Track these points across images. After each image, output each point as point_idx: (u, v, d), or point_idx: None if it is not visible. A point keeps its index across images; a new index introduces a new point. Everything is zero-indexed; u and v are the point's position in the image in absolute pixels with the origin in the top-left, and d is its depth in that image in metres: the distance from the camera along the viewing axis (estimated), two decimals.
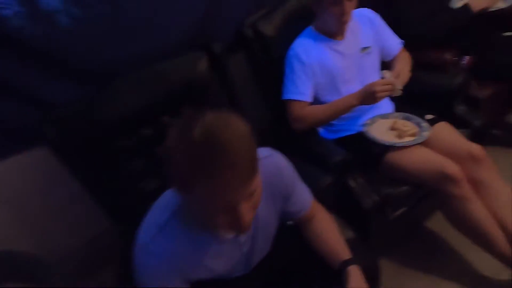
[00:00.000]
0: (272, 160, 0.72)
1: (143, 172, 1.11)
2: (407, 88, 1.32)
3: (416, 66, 1.34)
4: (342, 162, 1.08)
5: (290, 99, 1.23)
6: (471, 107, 1.29)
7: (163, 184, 1.12)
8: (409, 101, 1.33)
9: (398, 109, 1.32)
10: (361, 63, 1.26)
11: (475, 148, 1.06)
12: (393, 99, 1.35)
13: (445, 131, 1.16)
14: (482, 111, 1.33)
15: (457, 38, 1.47)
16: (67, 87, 1.13)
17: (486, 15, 1.43)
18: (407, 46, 1.37)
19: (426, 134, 1.13)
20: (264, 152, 0.71)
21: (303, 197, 0.80)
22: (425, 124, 1.17)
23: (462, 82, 1.25)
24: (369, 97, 1.12)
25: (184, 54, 1.15)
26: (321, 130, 1.33)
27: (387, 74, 1.19)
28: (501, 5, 1.43)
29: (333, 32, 1.22)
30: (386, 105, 1.32)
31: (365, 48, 1.26)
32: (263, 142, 1.34)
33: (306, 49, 1.21)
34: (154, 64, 1.09)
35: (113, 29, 1.15)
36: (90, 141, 1.03)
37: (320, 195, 0.98)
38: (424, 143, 1.13)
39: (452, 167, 1.00)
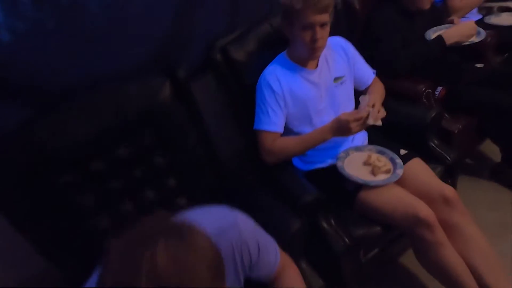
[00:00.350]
0: (230, 236, 0.63)
1: (94, 210, 0.99)
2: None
3: (390, 96, 1.32)
4: (313, 203, 1.01)
5: (261, 130, 1.15)
6: (444, 141, 1.28)
7: (116, 222, 1.08)
8: (382, 132, 1.30)
9: (371, 139, 1.29)
10: (334, 93, 1.21)
11: (448, 190, 1.03)
12: (367, 128, 1.32)
13: (418, 169, 1.13)
14: (454, 145, 1.32)
15: (431, 69, 1.46)
16: (9, 111, 1.01)
17: (459, 48, 1.44)
18: (381, 74, 1.35)
19: (399, 172, 1.09)
20: (220, 223, 0.63)
21: (269, 259, 0.71)
22: (398, 161, 1.13)
23: (435, 116, 1.23)
24: (343, 130, 1.07)
25: (144, 79, 1.04)
26: (294, 159, 1.26)
27: (365, 100, 1.15)
28: (474, 39, 1.44)
29: (305, 59, 1.16)
30: (360, 136, 1.28)
31: (338, 78, 1.21)
32: (233, 173, 1.28)
33: (278, 78, 1.14)
34: (107, 89, 0.99)
35: (63, 46, 1.03)
36: (29, 176, 0.90)
37: (288, 241, 0.91)
38: (398, 181, 1.09)
39: (425, 211, 0.96)
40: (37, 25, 0.99)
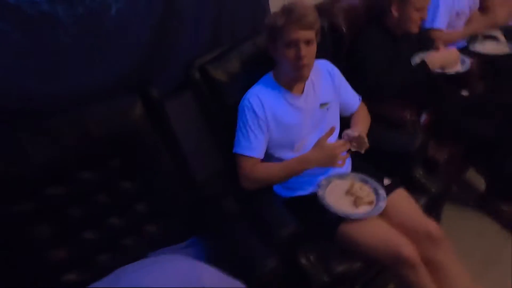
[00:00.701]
0: None
1: (49, 241, 0.90)
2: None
3: (375, 120, 1.28)
4: (291, 237, 0.94)
5: (241, 154, 1.09)
6: (429, 170, 1.24)
7: (74, 252, 0.98)
8: (366, 158, 1.26)
9: (355, 166, 1.24)
10: (320, 120, 1.16)
11: (433, 227, 0.98)
12: (352, 153, 1.27)
13: (402, 202, 1.08)
14: (440, 175, 1.28)
15: (416, 95, 1.44)
16: None
17: (443, 76, 1.42)
18: (365, 98, 1.32)
19: (382, 204, 1.03)
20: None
21: None
22: (382, 192, 1.08)
23: (420, 145, 1.19)
24: (328, 161, 1.02)
25: (112, 98, 0.97)
26: (276, 185, 1.20)
27: (349, 135, 1.11)
28: (459, 69, 1.42)
29: (291, 80, 1.11)
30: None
31: (324, 104, 1.16)
32: (209, 199, 1.21)
33: (261, 101, 1.08)
34: (70, 109, 0.91)
35: (27, 61, 0.95)
36: None
37: (262, 281, 0.84)
38: (381, 214, 1.03)
39: (407, 250, 0.91)
40: (5, 39, 0.91)
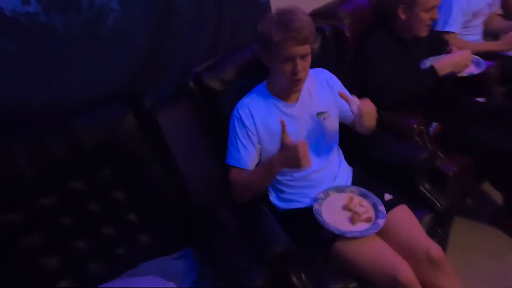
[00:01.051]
0: None
1: (41, 250, 0.91)
2: (369, 153, 1.21)
3: (380, 129, 1.21)
4: (282, 255, 0.90)
5: (230, 165, 1.06)
6: (437, 183, 1.16)
7: (66, 261, 0.99)
8: (369, 168, 1.20)
9: (355, 178, 1.18)
10: (316, 129, 1.11)
11: (435, 250, 0.91)
12: (353, 163, 1.21)
13: (403, 220, 1.01)
14: (449, 190, 1.20)
15: (426, 102, 1.36)
16: None
17: (456, 80, 1.33)
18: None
19: (381, 222, 0.97)
20: None
21: None
22: (381, 208, 1.02)
23: (426, 157, 1.12)
24: (292, 160, 0.93)
25: (104, 109, 0.97)
26: (272, 196, 1.17)
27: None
28: (473, 71, 1.33)
29: (285, 91, 1.07)
30: (343, 174, 1.17)
31: (321, 113, 1.11)
32: (202, 209, 1.19)
33: (251, 112, 1.05)
34: (60, 119, 0.91)
35: (23, 70, 0.96)
36: None
37: None
38: (379, 232, 0.97)
39: (405, 274, 0.85)
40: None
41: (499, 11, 1.92)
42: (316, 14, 1.46)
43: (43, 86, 1.01)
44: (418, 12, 1.28)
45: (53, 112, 0.98)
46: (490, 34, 1.86)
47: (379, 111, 1.23)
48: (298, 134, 1.09)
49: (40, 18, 0.98)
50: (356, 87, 1.33)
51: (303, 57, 0.98)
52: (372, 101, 1.27)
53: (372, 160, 1.21)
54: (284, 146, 0.95)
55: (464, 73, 1.30)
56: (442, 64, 1.28)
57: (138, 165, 1.01)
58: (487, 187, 1.55)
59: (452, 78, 1.32)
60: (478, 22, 1.77)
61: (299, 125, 1.09)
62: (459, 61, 1.29)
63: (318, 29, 1.27)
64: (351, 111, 1.04)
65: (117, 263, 1.02)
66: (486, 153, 1.28)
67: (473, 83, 1.48)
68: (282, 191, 1.14)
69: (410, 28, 1.33)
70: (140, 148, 1.00)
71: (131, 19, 1.12)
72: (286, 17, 0.95)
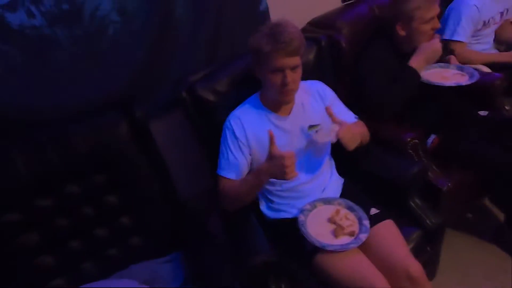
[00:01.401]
0: None
1: (38, 249, 0.98)
2: (360, 166, 1.20)
3: (375, 141, 1.20)
4: (262, 265, 0.92)
5: (220, 175, 1.09)
6: (432, 198, 1.14)
7: (61, 260, 1.05)
8: (360, 180, 1.19)
9: (345, 190, 1.17)
10: (309, 142, 1.11)
11: (414, 268, 0.90)
12: (345, 174, 1.21)
13: (387, 235, 1.00)
14: (442, 205, 1.17)
15: (426, 114, 1.33)
16: None
17: (455, 90, 1.28)
18: (368, 117, 1.23)
19: (362, 237, 0.97)
20: None
21: None
22: (366, 223, 1.01)
23: (417, 172, 1.10)
24: (279, 171, 0.94)
25: (99, 117, 1.02)
26: (262, 205, 1.18)
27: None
28: (460, 81, 1.27)
29: (277, 102, 1.09)
30: (333, 184, 1.17)
31: (313, 126, 1.11)
32: (192, 216, 1.22)
33: (243, 123, 1.07)
34: (55, 127, 0.97)
35: (27, 79, 1.03)
36: None
37: None
38: (362, 246, 0.97)
39: None
40: (2, 58, 1.00)
41: None
42: (314, 24, 1.47)
43: (45, 94, 1.08)
44: (418, 25, 1.25)
45: (52, 119, 1.04)
46: (502, 43, 1.79)
47: (376, 123, 1.24)
48: (289, 146, 1.09)
49: (45, 30, 1.05)
50: (354, 97, 1.32)
51: (292, 68, 0.99)
52: (369, 112, 1.28)
53: (364, 173, 1.20)
54: (271, 156, 0.96)
55: (452, 83, 1.26)
56: (415, 60, 1.26)
57: (131, 171, 1.06)
58: (490, 204, 1.51)
59: (454, 89, 1.28)
60: (489, 31, 1.71)
61: (291, 138, 1.10)
62: (428, 51, 1.26)
63: (314, 40, 1.27)
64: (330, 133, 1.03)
65: (109, 263, 1.08)
66: (485, 169, 1.24)
67: (478, 95, 1.44)
68: (271, 201, 1.16)
69: (412, 41, 1.31)
70: (133, 155, 1.05)
71: (131, 30, 1.17)
72: (275, 30, 0.97)
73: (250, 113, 1.10)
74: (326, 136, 1.04)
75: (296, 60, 0.99)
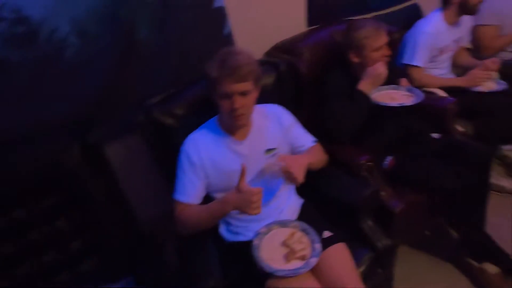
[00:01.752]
0: None
1: None
2: (318, 187, 1.23)
3: (334, 164, 1.24)
4: None
5: (175, 199, 1.09)
6: (383, 222, 1.17)
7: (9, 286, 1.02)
8: (318, 202, 1.22)
9: (303, 211, 1.19)
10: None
11: None
12: (304, 195, 1.23)
13: (337, 259, 1.02)
14: (395, 227, 1.21)
15: (383, 135, 1.38)
16: None
17: (408, 111, 1.33)
18: (327, 141, 1.27)
19: (312, 262, 0.98)
20: None
21: None
22: (317, 246, 1.03)
23: (369, 195, 1.13)
24: (244, 205, 0.96)
25: (50, 141, 1.01)
26: (221, 227, 1.18)
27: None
28: (405, 101, 1.31)
29: (231, 126, 1.10)
30: (291, 205, 1.19)
31: (270, 150, 1.13)
32: (148, 240, 1.21)
33: (198, 147, 1.08)
34: (4, 149, 0.95)
35: None
36: None
37: None
38: (314, 270, 0.98)
39: None
40: None
41: (470, 46, 1.96)
42: (278, 48, 1.52)
43: None
44: (368, 53, 1.32)
45: (2, 140, 1.02)
46: (459, 68, 1.90)
47: (335, 146, 1.27)
48: (248, 171, 1.08)
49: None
50: (313, 121, 1.36)
51: (242, 94, 1.00)
52: (328, 135, 1.32)
53: (321, 194, 1.23)
54: (239, 190, 0.97)
55: (396, 104, 1.31)
56: (362, 83, 1.32)
57: (83, 195, 1.05)
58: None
59: (407, 111, 1.33)
60: (446, 57, 1.81)
61: (247, 162, 1.08)
62: (373, 74, 1.31)
63: (273, 65, 1.31)
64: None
65: None
66: (437, 191, 1.29)
67: (432, 118, 1.51)
68: (230, 224, 1.16)
69: (365, 68, 1.36)
70: (85, 178, 1.04)
71: (91, 52, 1.17)
72: (224, 56, 1.00)
73: (207, 137, 1.11)
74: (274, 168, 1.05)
75: (245, 86, 1.00)
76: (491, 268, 1.30)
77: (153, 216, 1.20)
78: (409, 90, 1.40)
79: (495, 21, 1.84)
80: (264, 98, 1.13)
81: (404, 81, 1.44)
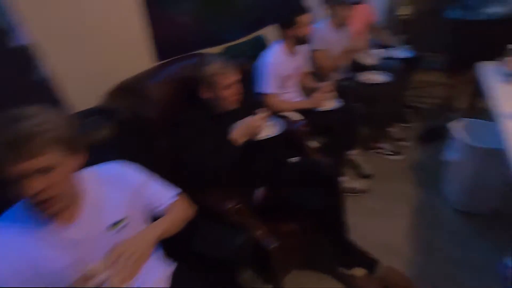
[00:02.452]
0: None
1: None
2: (188, 246, 1.08)
3: (203, 212, 1.09)
4: None
5: None
6: (262, 262, 1.11)
7: None
8: (192, 263, 1.06)
9: (177, 276, 1.01)
10: (111, 245, 0.84)
11: None
12: (176, 258, 1.05)
13: None
14: (274, 262, 1.15)
15: (252, 169, 1.34)
16: None
17: (275, 140, 1.32)
18: (190, 187, 1.11)
19: None
20: None
21: None
22: None
23: (242, 244, 1.04)
24: None
25: None
26: None
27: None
28: (269, 133, 1.33)
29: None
30: (157, 278, 0.98)
31: (116, 223, 0.90)
32: None
33: (4, 250, 0.76)
34: None
35: None
36: None
37: None
38: None
39: None
40: None
41: (312, 69, 2.22)
42: (122, 88, 1.30)
43: None
44: (219, 91, 1.27)
45: None
46: (307, 90, 2.11)
47: (200, 192, 1.13)
48: (80, 262, 0.81)
49: None
50: (171, 168, 1.19)
51: (40, 171, 0.72)
52: (191, 181, 1.17)
53: (193, 254, 1.07)
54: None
55: (261, 137, 1.32)
56: (237, 134, 1.27)
57: None
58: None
59: (276, 140, 1.33)
60: (292, 83, 1.97)
61: (81, 250, 0.84)
62: (249, 126, 1.29)
63: (111, 112, 1.10)
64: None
65: None
66: (307, 215, 1.33)
67: (289, 142, 1.58)
68: None
69: (218, 104, 1.32)
70: None
71: None
72: (8, 130, 0.69)
73: (14, 232, 0.78)
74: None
75: (42, 161, 0.72)
76: (358, 272, 1.41)
77: None
78: (272, 120, 1.41)
79: (323, 46, 2.14)
80: (101, 156, 0.91)
81: (259, 111, 1.45)
